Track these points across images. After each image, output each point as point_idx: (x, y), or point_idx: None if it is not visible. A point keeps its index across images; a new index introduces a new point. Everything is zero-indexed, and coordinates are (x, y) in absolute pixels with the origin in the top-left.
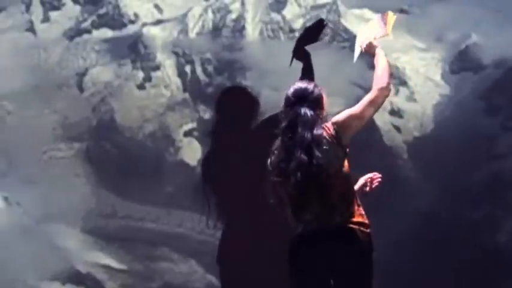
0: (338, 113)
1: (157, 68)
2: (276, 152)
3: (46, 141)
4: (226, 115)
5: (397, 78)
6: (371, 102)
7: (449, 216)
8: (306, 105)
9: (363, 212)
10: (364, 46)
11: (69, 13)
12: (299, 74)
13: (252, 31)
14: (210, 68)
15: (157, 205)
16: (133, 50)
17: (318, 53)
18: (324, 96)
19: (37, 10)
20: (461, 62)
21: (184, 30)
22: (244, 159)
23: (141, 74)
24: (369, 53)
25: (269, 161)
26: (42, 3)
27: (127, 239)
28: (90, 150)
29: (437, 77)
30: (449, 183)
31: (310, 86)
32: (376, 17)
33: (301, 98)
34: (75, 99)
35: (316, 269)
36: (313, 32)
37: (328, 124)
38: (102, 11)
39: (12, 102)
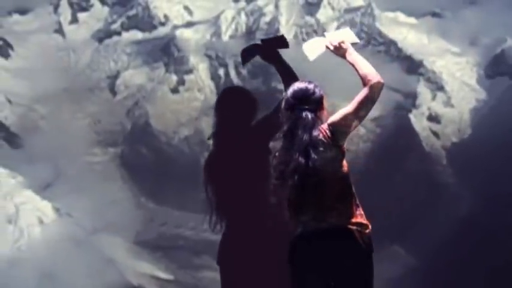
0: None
1: (190, 71)
2: (277, 154)
3: (82, 146)
4: (226, 116)
5: (434, 83)
6: (366, 101)
7: (489, 221)
8: (307, 107)
9: (362, 213)
10: (336, 44)
11: (98, 14)
12: (335, 76)
13: (286, 34)
14: (244, 72)
15: (194, 211)
16: (166, 53)
17: None
18: (324, 96)
19: (65, 11)
20: (497, 67)
21: (217, 33)
22: (246, 160)
23: (174, 78)
24: (337, 53)
25: (271, 162)
26: (70, 4)
27: (168, 247)
28: (125, 155)
29: (473, 82)
30: (488, 188)
31: (311, 87)
32: (342, 29)
33: (301, 99)
34: (108, 102)
35: (316, 269)
36: (279, 43)
37: (324, 126)
38: (131, 12)
39: (45, 106)
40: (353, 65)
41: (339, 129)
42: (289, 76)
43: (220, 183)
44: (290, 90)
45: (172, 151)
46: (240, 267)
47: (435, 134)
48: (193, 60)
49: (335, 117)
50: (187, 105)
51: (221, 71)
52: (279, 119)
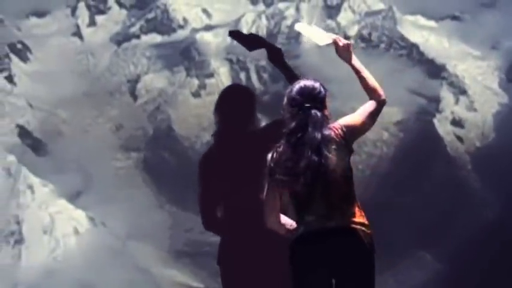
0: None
1: (211, 75)
2: (279, 150)
3: (105, 151)
4: (225, 114)
5: (457, 87)
6: (376, 112)
7: None
8: (314, 105)
9: (363, 213)
10: (345, 43)
11: (116, 17)
12: (355, 81)
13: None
14: (265, 76)
15: None
16: (186, 57)
17: (374, 61)
18: (328, 95)
19: (83, 14)
20: None
21: None
22: (245, 159)
23: (195, 82)
24: (342, 54)
25: (270, 157)
26: (88, 7)
27: (195, 253)
28: (148, 160)
29: (495, 86)
30: None
31: (317, 85)
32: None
33: (308, 97)
34: (129, 106)
35: (318, 268)
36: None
37: (336, 125)
38: (150, 15)
39: (66, 110)
40: (357, 72)
41: (355, 132)
42: (293, 80)
43: (218, 182)
44: (296, 88)
45: (195, 156)
46: (240, 268)
47: (459, 138)
48: (214, 64)
49: (353, 120)
50: (209, 109)
51: (242, 75)
52: (279, 118)
